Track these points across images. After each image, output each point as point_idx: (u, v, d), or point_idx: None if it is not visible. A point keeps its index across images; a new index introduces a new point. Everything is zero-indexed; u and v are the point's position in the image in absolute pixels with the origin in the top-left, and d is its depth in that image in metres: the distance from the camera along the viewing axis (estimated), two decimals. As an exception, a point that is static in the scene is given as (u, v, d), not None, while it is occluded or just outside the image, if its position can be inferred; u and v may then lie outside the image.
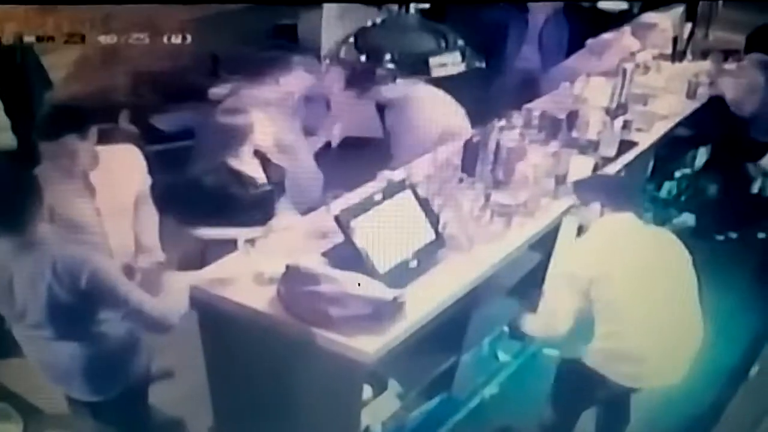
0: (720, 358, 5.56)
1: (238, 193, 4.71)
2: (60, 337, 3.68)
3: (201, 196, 4.62)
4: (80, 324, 3.69)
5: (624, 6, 8.23)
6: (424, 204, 4.34)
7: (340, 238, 4.07)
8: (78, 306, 3.55)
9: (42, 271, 3.48)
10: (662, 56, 7.51)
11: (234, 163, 4.74)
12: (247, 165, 4.81)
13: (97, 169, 4.18)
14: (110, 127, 5.54)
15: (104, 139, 4.22)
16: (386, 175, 4.78)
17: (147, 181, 4.47)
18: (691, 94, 6.90)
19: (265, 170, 4.85)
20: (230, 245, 4.17)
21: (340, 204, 4.33)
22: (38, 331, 3.66)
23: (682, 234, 6.89)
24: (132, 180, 4.40)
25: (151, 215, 4.48)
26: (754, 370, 5.16)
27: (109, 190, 4.22)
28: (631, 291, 4.07)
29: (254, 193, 4.78)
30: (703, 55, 7.69)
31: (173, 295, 3.81)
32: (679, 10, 7.86)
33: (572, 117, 5.66)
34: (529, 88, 6.59)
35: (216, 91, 5.64)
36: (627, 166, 5.66)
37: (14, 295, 3.58)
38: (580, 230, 5.31)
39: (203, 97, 6.21)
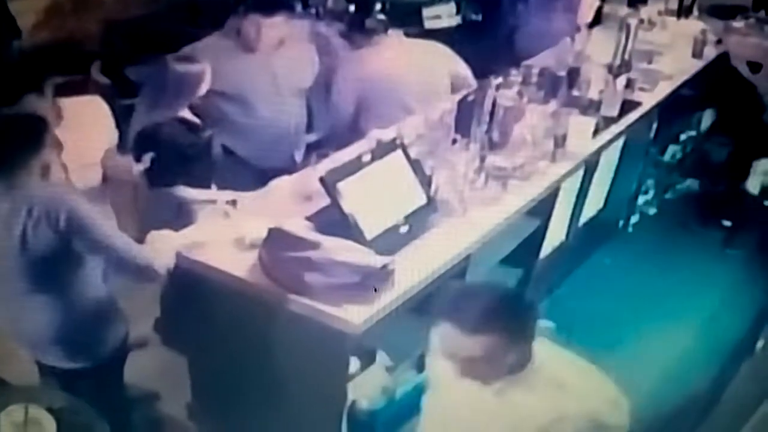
0: (725, 331, 5.54)
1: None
2: (36, 291, 3.63)
3: (168, 151, 4.50)
4: (58, 275, 3.63)
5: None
6: (416, 166, 4.26)
7: (325, 201, 4.00)
8: (57, 252, 3.51)
9: (18, 214, 3.44)
10: (668, 11, 7.41)
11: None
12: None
13: (63, 125, 4.09)
14: (82, 78, 5.42)
15: (74, 90, 4.14)
16: (375, 134, 4.68)
17: (115, 135, 4.39)
18: (697, 53, 6.80)
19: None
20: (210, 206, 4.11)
21: (326, 164, 4.25)
22: (13, 284, 3.62)
23: (685, 200, 6.93)
24: (99, 134, 4.32)
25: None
26: (760, 344, 5.12)
27: (76, 145, 4.14)
28: None
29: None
30: (710, 11, 7.58)
31: (158, 247, 3.73)
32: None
33: (573, 75, 5.58)
34: (529, 43, 6.48)
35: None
36: (629, 127, 5.58)
37: None
38: (581, 195, 5.28)
39: (180, 48, 6.10)
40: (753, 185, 6.32)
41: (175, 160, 4.41)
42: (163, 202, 4.40)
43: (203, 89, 4.65)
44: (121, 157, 4.47)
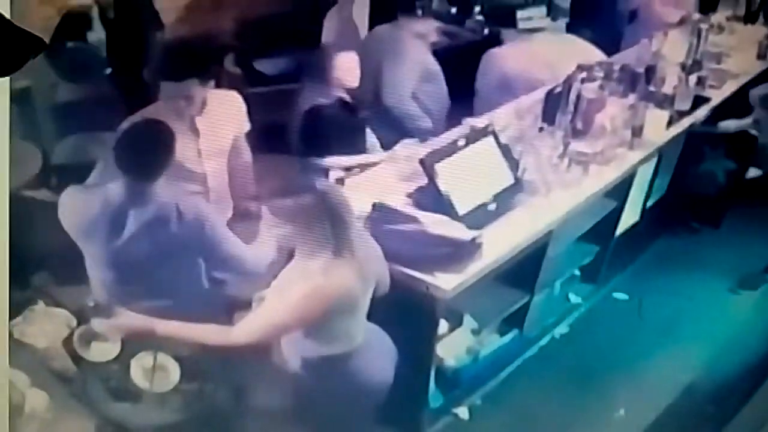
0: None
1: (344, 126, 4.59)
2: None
3: (306, 134, 4.49)
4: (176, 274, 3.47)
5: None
6: (505, 150, 4.19)
7: (424, 180, 3.95)
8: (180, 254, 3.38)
9: (158, 219, 3.31)
10: (735, 18, 7.09)
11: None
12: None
13: (203, 114, 3.96)
14: (216, 68, 5.33)
15: (212, 81, 4.02)
16: (470, 122, 4.57)
17: (245, 126, 4.26)
18: (761, 55, 6.48)
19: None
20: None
21: (426, 148, 4.17)
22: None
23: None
24: (232, 125, 4.21)
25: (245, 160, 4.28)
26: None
27: (211, 133, 4.03)
28: None
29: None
30: (775, 18, 7.24)
31: (264, 243, 3.56)
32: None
33: (650, 72, 5.37)
34: (610, 43, 6.23)
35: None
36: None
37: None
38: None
39: (306, 43, 6.01)
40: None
41: (330, 134, 4.44)
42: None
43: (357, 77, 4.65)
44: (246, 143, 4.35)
